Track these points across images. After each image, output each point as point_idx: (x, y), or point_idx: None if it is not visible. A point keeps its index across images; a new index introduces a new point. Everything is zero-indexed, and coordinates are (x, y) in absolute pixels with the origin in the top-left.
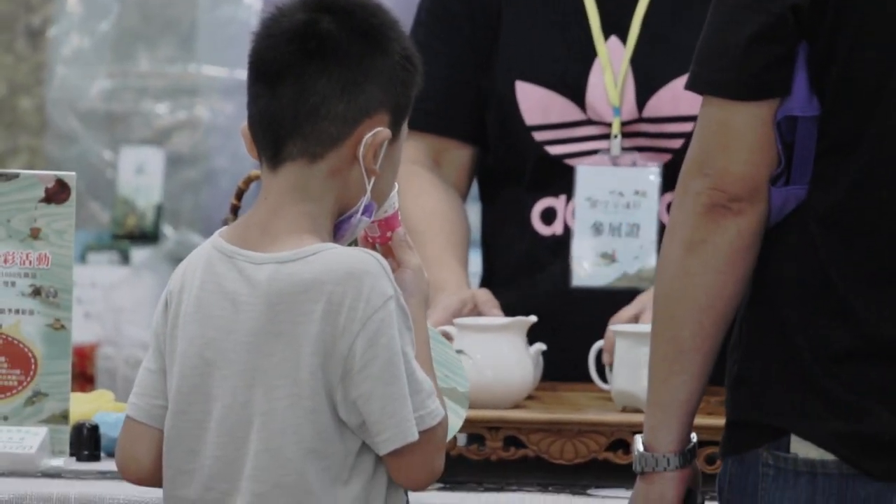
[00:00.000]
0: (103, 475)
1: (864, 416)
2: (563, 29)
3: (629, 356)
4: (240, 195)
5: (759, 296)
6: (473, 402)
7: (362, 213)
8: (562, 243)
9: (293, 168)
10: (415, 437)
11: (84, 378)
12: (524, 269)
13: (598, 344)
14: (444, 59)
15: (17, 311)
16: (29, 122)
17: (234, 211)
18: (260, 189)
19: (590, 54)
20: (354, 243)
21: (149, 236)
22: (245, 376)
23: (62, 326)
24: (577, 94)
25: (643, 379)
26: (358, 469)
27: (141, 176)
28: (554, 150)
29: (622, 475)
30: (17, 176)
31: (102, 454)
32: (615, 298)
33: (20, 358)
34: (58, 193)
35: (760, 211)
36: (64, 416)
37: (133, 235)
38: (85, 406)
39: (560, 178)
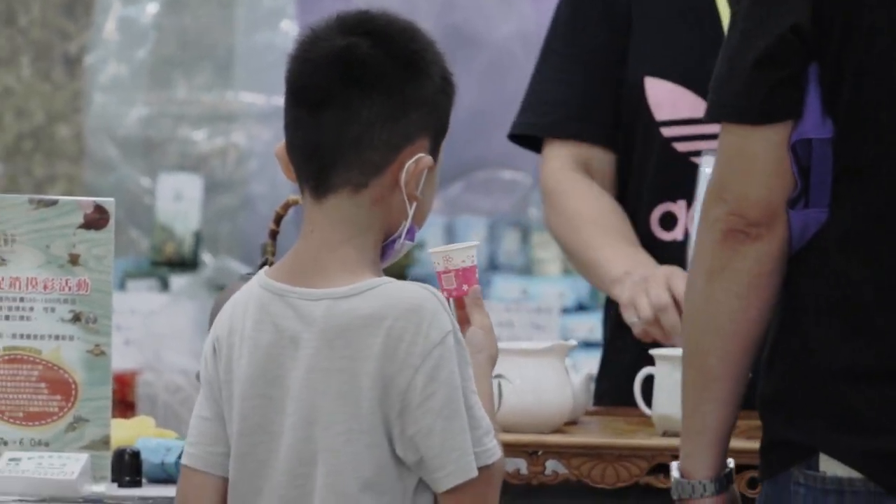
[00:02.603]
0: (144, 501)
1: (890, 434)
2: (692, 24)
3: (669, 380)
4: (278, 220)
5: (786, 318)
6: (515, 427)
7: (405, 237)
8: (682, 249)
9: (338, 199)
10: (474, 472)
11: (124, 405)
12: None
13: (645, 370)
14: (583, 67)
15: (57, 337)
16: (67, 150)
17: (273, 237)
18: (303, 218)
19: (720, 46)
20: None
21: (187, 263)
22: (305, 413)
23: (102, 352)
24: (706, 89)
25: None
26: None
27: (179, 203)
28: (681, 146)
29: (663, 499)
30: (56, 202)
31: (143, 480)
32: None
33: (61, 384)
34: (97, 219)
35: (780, 236)
36: (105, 442)
37: (172, 262)
38: (126, 432)
39: (683, 177)
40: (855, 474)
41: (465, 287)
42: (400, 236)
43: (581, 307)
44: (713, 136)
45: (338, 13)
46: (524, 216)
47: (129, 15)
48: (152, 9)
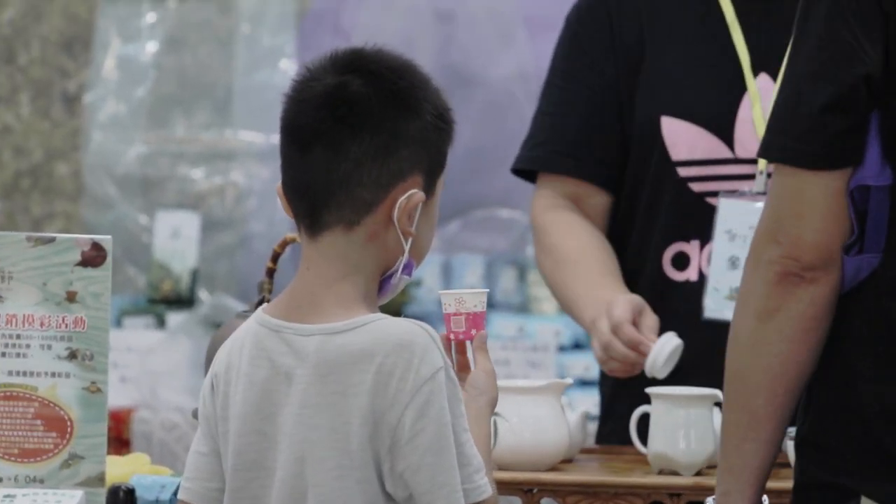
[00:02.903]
0: None
1: None
2: (710, 65)
3: (666, 419)
4: (276, 258)
5: (829, 359)
6: (510, 465)
7: (402, 272)
8: (695, 290)
9: (332, 237)
10: None
11: (120, 442)
12: (656, 310)
13: (641, 409)
14: (583, 104)
15: (53, 374)
16: (65, 188)
17: (270, 274)
18: (300, 255)
19: (739, 90)
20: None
21: (184, 301)
22: (296, 449)
23: (98, 389)
24: (724, 130)
25: (679, 442)
26: None
27: (176, 240)
28: (697, 186)
29: None
30: (53, 240)
31: None
32: None
33: (56, 421)
34: (94, 257)
35: (834, 279)
36: (100, 479)
37: (169, 300)
38: (121, 469)
39: (697, 218)
40: None
41: (473, 331)
42: (397, 271)
43: (577, 345)
44: (729, 178)
45: (331, 52)
46: (521, 255)
47: (128, 53)
48: (151, 48)
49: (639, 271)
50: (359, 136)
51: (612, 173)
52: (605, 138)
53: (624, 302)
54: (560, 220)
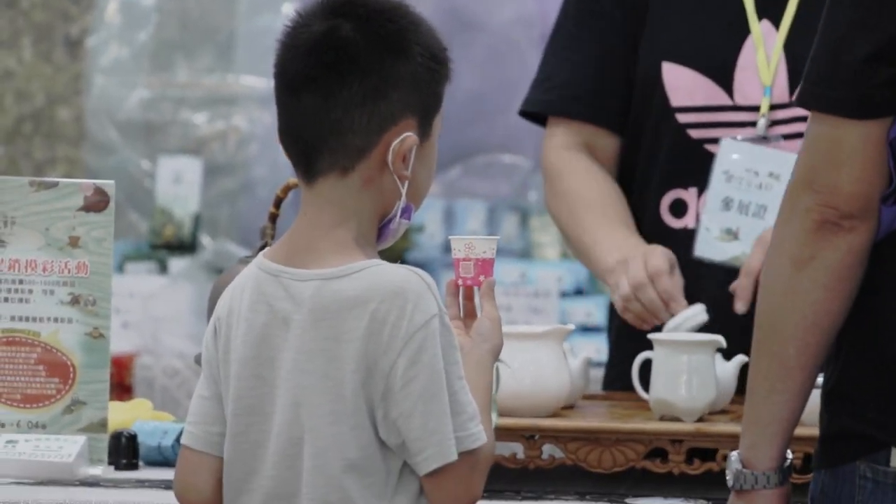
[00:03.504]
0: (141, 483)
1: None
2: (713, 10)
3: (667, 365)
4: (278, 204)
5: (859, 310)
6: (512, 411)
7: (401, 216)
8: (693, 236)
9: (327, 183)
10: (454, 457)
11: (122, 388)
12: None
13: (643, 355)
14: (594, 48)
15: (55, 320)
16: (67, 133)
17: (273, 220)
18: (300, 199)
19: (741, 34)
20: (396, 257)
21: (186, 246)
22: (293, 394)
23: (101, 335)
24: (724, 77)
25: (681, 388)
26: (402, 489)
27: (179, 186)
28: (695, 133)
29: (660, 483)
30: (56, 184)
31: (140, 463)
32: (729, 275)
33: (59, 366)
34: (97, 202)
35: (871, 228)
36: (102, 425)
37: (171, 245)
38: (123, 415)
39: (695, 165)
40: None
41: (481, 278)
42: (395, 216)
43: (579, 291)
44: (728, 125)
45: None
46: (523, 200)
47: None
48: None
49: (639, 218)
50: (347, 82)
51: (623, 118)
52: (617, 82)
53: (662, 253)
54: (575, 165)
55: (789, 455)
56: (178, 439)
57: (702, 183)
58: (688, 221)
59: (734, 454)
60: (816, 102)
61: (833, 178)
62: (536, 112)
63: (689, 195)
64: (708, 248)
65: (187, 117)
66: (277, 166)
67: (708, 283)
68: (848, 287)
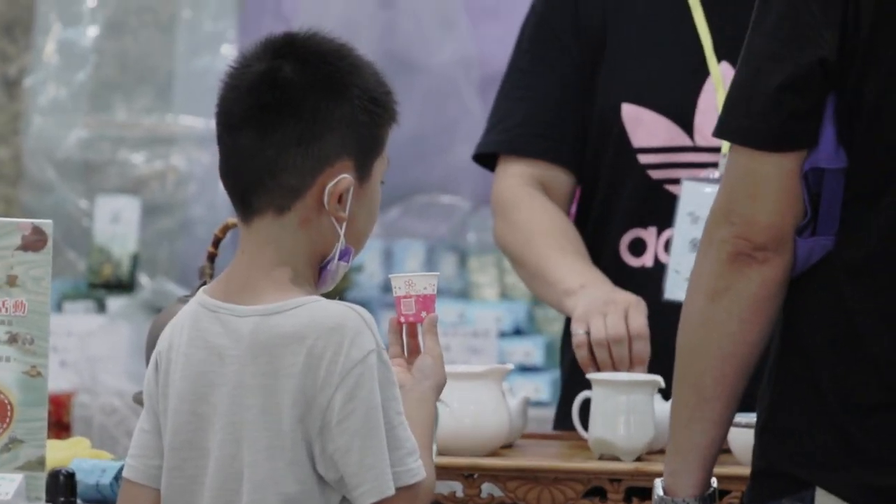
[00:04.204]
0: None
1: (890, 468)
2: (672, 51)
3: (606, 405)
4: (216, 243)
5: (787, 346)
6: (451, 450)
7: (340, 259)
8: (651, 276)
9: (263, 222)
10: (391, 491)
11: (60, 426)
12: None
13: (583, 394)
14: (550, 85)
15: None
16: (5, 172)
17: (211, 259)
18: (238, 239)
19: (701, 76)
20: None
21: (125, 285)
22: (231, 429)
23: (38, 373)
24: (685, 119)
25: (620, 427)
26: None
27: (117, 225)
28: (656, 174)
29: None
30: None
31: (79, 501)
32: None
33: None
34: (35, 241)
35: (785, 261)
36: (40, 463)
37: (109, 284)
38: (61, 453)
39: (656, 205)
40: None
41: (423, 314)
42: (333, 258)
43: (518, 331)
44: (690, 165)
45: (266, 37)
46: (462, 241)
47: (69, 38)
48: (92, 32)
49: (596, 256)
50: (283, 122)
51: (578, 156)
52: (572, 119)
53: (643, 312)
54: (530, 198)
55: (713, 483)
56: (116, 477)
57: (661, 222)
58: (646, 260)
59: (658, 481)
60: (732, 134)
61: (749, 210)
62: (490, 153)
63: (648, 234)
64: (678, 289)
65: (125, 157)
66: (216, 206)
67: (661, 322)
68: (763, 319)
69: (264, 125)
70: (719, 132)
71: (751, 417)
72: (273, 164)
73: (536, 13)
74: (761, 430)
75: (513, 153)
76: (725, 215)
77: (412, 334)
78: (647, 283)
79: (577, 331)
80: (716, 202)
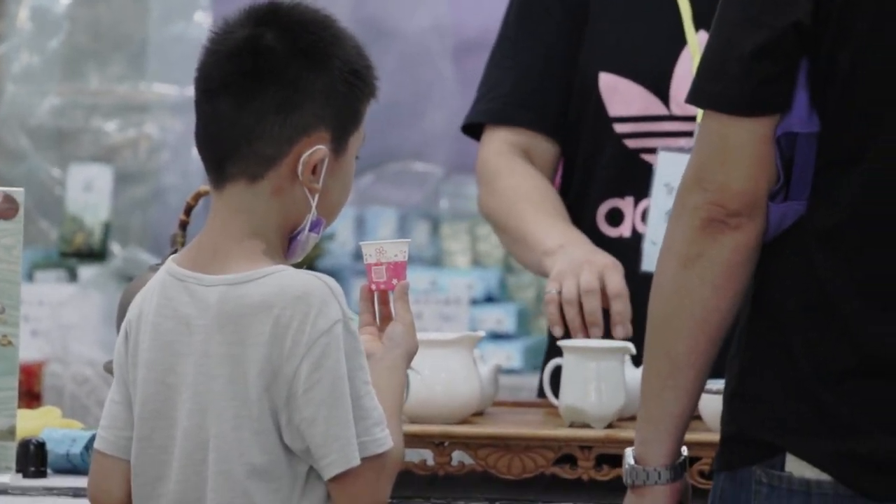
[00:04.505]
0: (49, 491)
1: (861, 435)
2: (651, 20)
3: (577, 372)
4: (188, 211)
5: (758, 312)
6: (422, 418)
7: (310, 230)
8: (629, 246)
9: (236, 189)
10: (356, 461)
11: (31, 396)
12: None
13: (554, 362)
14: (535, 55)
15: None
16: None
17: (183, 227)
18: (210, 206)
19: (678, 44)
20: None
21: (97, 254)
22: (198, 399)
23: (9, 342)
24: (661, 87)
25: (591, 394)
26: (308, 494)
27: (89, 193)
28: (632, 143)
29: (569, 490)
30: None
31: (49, 471)
32: None
33: None
34: (6, 209)
35: (758, 226)
36: (10, 433)
37: (81, 253)
38: (32, 422)
39: (632, 174)
40: (824, 476)
41: (394, 281)
42: (304, 228)
43: (490, 299)
44: (665, 134)
45: (250, 4)
46: (434, 208)
47: (42, 5)
48: None
49: (576, 225)
50: (262, 89)
51: (562, 124)
52: (557, 88)
53: (620, 272)
54: (514, 166)
55: (684, 451)
56: (87, 447)
57: (638, 192)
58: (623, 231)
59: (629, 451)
60: (705, 99)
61: (721, 175)
62: (477, 122)
63: (625, 204)
64: (655, 261)
65: (98, 125)
66: (188, 174)
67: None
68: (736, 285)
69: (244, 91)
70: (692, 98)
71: (721, 384)
72: (250, 132)
73: None
74: (731, 396)
75: (497, 123)
76: (698, 181)
77: (383, 302)
78: (625, 253)
79: (550, 289)
80: (688, 168)
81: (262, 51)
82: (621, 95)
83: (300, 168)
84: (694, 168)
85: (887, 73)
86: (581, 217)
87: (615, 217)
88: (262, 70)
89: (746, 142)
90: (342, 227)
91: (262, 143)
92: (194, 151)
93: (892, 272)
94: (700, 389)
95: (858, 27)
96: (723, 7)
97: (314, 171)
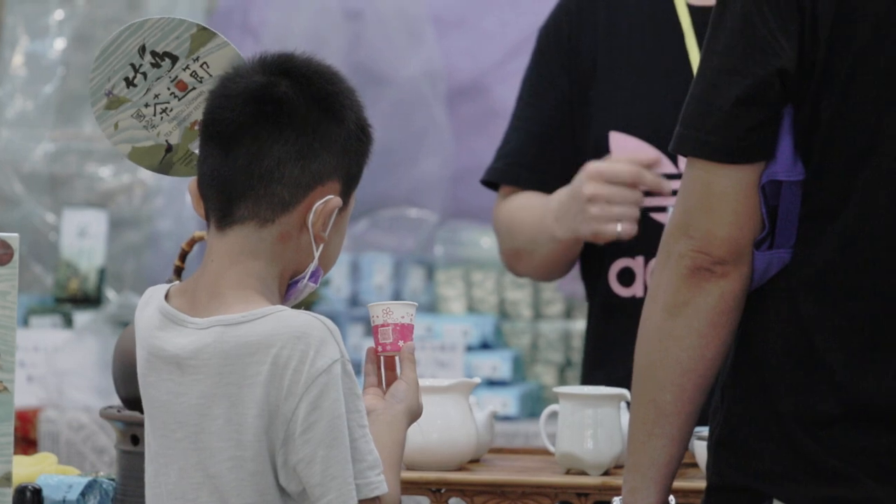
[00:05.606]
0: None
1: (847, 481)
2: (659, 79)
3: (573, 418)
4: (183, 257)
5: (742, 359)
6: (418, 464)
7: (309, 279)
8: (641, 306)
9: (243, 231)
10: (354, 502)
11: (27, 442)
12: (604, 326)
13: (550, 408)
14: (539, 118)
15: None
16: None
17: (178, 273)
18: (205, 250)
19: None
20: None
21: (92, 299)
22: (195, 438)
23: (5, 388)
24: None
25: (587, 441)
26: None
27: (84, 239)
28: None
29: None
30: None
31: None
32: None
33: None
34: (1, 255)
35: (744, 274)
36: (7, 479)
37: (76, 299)
38: (28, 469)
39: (642, 233)
40: None
41: (400, 343)
42: (304, 277)
43: (485, 345)
44: (675, 193)
45: (260, 54)
46: (429, 254)
47: (36, 50)
48: (60, 44)
49: (591, 286)
50: (284, 135)
51: (565, 184)
52: (561, 153)
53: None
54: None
55: (672, 501)
56: (83, 493)
57: (649, 251)
58: (636, 290)
59: (616, 500)
60: (689, 147)
61: (706, 223)
62: (490, 181)
63: (636, 264)
64: None
65: (93, 170)
66: (182, 220)
67: None
68: (722, 333)
69: (264, 135)
70: (676, 145)
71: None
72: (268, 175)
73: (537, 43)
74: (716, 445)
75: (507, 182)
76: (683, 229)
77: (390, 367)
78: (637, 314)
79: (582, 211)
80: (673, 216)
81: (280, 97)
82: (631, 154)
83: (311, 216)
84: (679, 216)
85: (868, 121)
86: (596, 277)
87: (627, 277)
88: (284, 115)
89: (731, 189)
90: (337, 272)
91: (280, 186)
92: (188, 197)
93: (876, 321)
94: (688, 437)
95: (839, 77)
96: (706, 54)
97: (324, 220)
